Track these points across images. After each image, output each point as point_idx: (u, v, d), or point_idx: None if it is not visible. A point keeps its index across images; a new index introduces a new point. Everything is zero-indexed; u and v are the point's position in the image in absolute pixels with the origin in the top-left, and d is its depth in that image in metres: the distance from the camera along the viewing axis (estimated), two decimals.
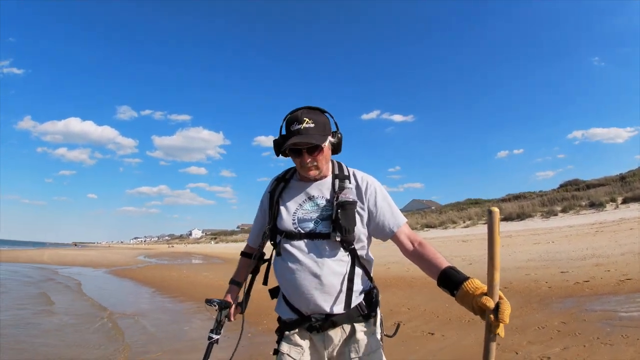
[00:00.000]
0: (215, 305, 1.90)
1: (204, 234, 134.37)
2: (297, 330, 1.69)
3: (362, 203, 1.70)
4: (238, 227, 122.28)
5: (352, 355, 1.62)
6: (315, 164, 1.67)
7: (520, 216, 25.31)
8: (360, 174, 1.78)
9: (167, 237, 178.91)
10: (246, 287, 1.97)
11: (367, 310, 1.68)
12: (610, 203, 22.30)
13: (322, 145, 1.65)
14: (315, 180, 1.75)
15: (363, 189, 1.72)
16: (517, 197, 33.54)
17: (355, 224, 1.62)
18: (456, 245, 16.17)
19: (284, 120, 1.71)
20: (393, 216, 1.71)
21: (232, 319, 1.94)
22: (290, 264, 1.67)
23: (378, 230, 1.72)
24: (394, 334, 1.78)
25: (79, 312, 7.29)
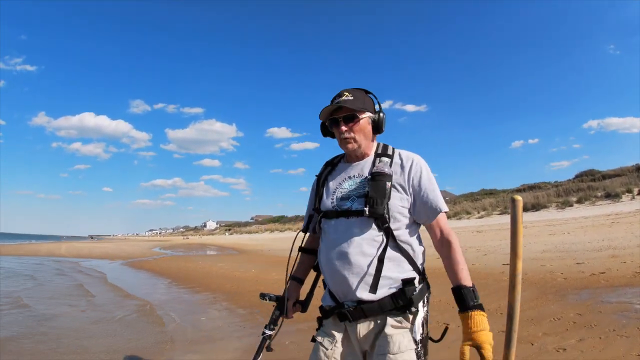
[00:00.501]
0: (266, 300, 1.91)
1: (218, 226, 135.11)
2: (332, 319, 1.65)
3: (405, 181, 1.64)
4: (252, 219, 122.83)
5: (379, 351, 1.52)
6: (352, 135, 1.67)
7: (536, 207, 25.10)
8: (406, 153, 1.73)
9: (182, 229, 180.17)
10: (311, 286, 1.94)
11: (403, 303, 1.53)
12: (627, 194, 22.03)
13: (359, 116, 1.67)
14: (358, 159, 1.74)
15: (407, 167, 1.66)
16: (532, 188, 33.23)
17: (385, 197, 1.56)
18: (470, 235, 16.10)
19: (322, 110, 1.73)
20: (435, 201, 1.63)
21: (289, 315, 1.90)
22: (325, 244, 1.68)
23: (417, 213, 1.64)
24: (441, 338, 1.59)
25: (116, 302, 7.44)
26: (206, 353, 4.34)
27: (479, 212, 28.55)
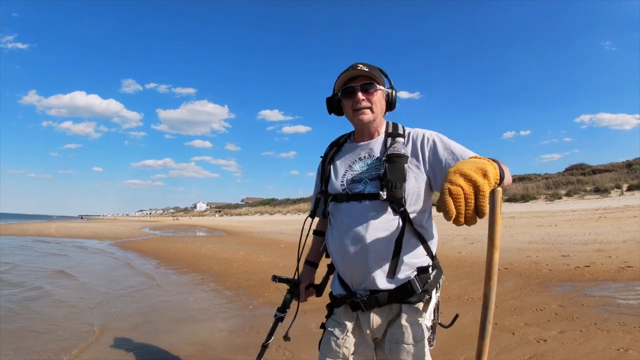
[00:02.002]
0: (277, 282, 1.89)
1: (208, 207, 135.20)
2: (343, 308, 1.59)
3: (419, 159, 1.54)
4: (242, 201, 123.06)
5: (392, 339, 1.49)
6: (369, 105, 1.58)
7: (525, 198, 25.30)
8: (416, 130, 1.62)
9: (172, 210, 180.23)
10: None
11: (419, 290, 1.48)
12: (615, 189, 22.28)
13: (377, 86, 1.59)
14: (368, 138, 1.66)
15: (419, 144, 1.56)
16: (522, 179, 33.44)
17: (403, 179, 1.47)
18: None
19: (339, 76, 1.64)
20: (460, 158, 1.45)
21: (302, 299, 1.86)
22: (336, 229, 1.59)
23: None
24: (450, 324, 1.60)
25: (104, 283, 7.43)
26: (191, 332, 4.34)
27: None
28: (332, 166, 1.69)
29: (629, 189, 21.81)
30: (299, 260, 1.84)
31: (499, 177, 1.08)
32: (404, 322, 1.47)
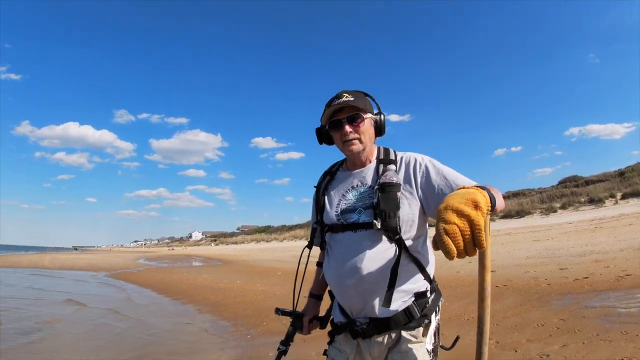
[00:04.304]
0: (279, 315, 1.85)
1: (204, 236, 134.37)
2: (344, 336, 1.58)
3: (412, 185, 1.52)
4: (238, 229, 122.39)
5: None
6: (357, 136, 1.57)
7: (520, 213, 25.32)
8: (408, 155, 1.61)
9: (167, 240, 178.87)
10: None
11: (418, 316, 1.47)
12: (610, 199, 22.37)
13: (363, 115, 1.57)
14: (360, 166, 1.64)
15: (411, 169, 1.54)
16: (516, 195, 33.53)
17: (397, 208, 1.45)
18: None
19: (325, 108, 1.62)
20: (453, 187, 1.45)
21: (305, 332, 1.82)
22: (332, 260, 1.58)
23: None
24: (452, 346, 1.58)
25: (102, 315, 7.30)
26: None
27: None
28: (326, 196, 1.68)
29: (623, 197, 21.91)
30: (294, 291, 1.81)
31: (490, 205, 1.06)
32: (403, 347, 1.46)
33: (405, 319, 1.46)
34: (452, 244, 0.96)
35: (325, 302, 1.85)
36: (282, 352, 1.76)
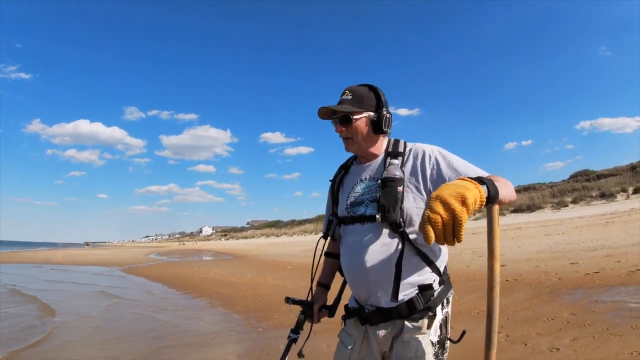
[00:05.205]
0: (290, 304, 1.90)
1: (214, 231, 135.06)
2: (353, 321, 1.65)
3: (419, 179, 1.55)
4: (248, 224, 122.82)
5: (396, 354, 1.52)
6: (349, 136, 1.63)
7: (531, 207, 25.14)
8: (417, 146, 1.63)
9: (177, 235, 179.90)
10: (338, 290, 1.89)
11: (421, 308, 1.51)
12: (621, 193, 22.14)
13: (352, 117, 1.60)
14: (368, 160, 1.69)
15: (419, 162, 1.57)
16: (527, 189, 33.31)
17: (396, 203, 1.49)
18: (466, 237, 15.69)
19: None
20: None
21: (315, 320, 1.88)
22: (344, 250, 1.66)
23: None
24: (459, 339, 1.55)
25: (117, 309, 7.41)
26: (201, 357, 4.33)
27: (474, 214, 28.54)
28: (340, 189, 1.76)
29: (635, 191, 21.64)
30: (312, 280, 1.87)
31: (483, 199, 1.10)
32: (406, 337, 1.50)
33: (407, 310, 1.51)
34: (432, 231, 1.02)
35: (333, 291, 1.91)
36: (292, 340, 1.82)
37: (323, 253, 1.90)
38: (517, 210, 25.13)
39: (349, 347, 1.61)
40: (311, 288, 1.88)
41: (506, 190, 1.26)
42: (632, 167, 27.82)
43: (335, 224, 1.75)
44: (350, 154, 1.80)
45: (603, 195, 22.96)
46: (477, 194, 1.09)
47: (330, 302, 1.92)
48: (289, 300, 1.91)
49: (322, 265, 1.94)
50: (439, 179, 1.52)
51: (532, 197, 27.31)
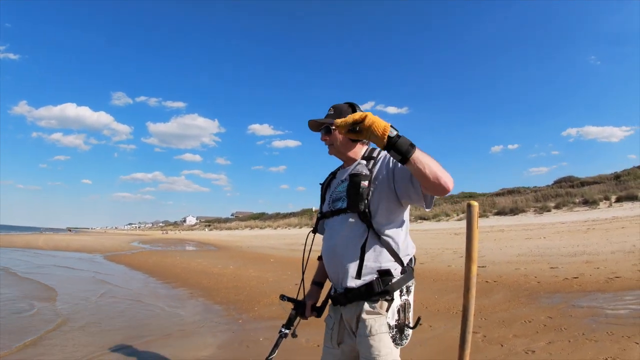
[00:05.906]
0: (285, 300, 2.05)
1: (198, 221, 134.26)
2: (331, 303, 1.89)
3: (386, 177, 1.72)
4: (232, 215, 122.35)
5: (358, 332, 1.70)
6: (330, 143, 1.90)
7: (514, 211, 25.46)
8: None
9: (161, 224, 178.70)
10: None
11: (379, 290, 1.68)
12: (604, 201, 22.49)
13: (331, 127, 1.87)
14: (349, 165, 1.92)
15: (385, 163, 1.77)
16: (511, 192, 33.67)
17: (359, 194, 1.71)
18: (448, 237, 16.20)
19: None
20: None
21: (308, 314, 2.05)
22: (323, 240, 1.91)
23: (414, 192, 1.62)
24: (415, 326, 1.71)
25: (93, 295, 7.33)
26: (180, 347, 4.31)
27: (458, 215, 28.82)
28: (327, 190, 1.99)
29: (618, 200, 22.01)
30: (303, 273, 2.03)
31: (386, 131, 1.41)
32: (364, 316, 1.69)
33: (367, 292, 1.70)
34: (349, 119, 1.44)
35: (326, 289, 2.03)
36: (283, 335, 1.97)
37: (317, 257, 2.08)
38: (500, 212, 25.44)
39: (331, 328, 1.84)
40: (302, 282, 2.06)
41: (429, 159, 1.45)
42: (617, 176, 28.26)
43: (322, 222, 1.98)
44: (341, 162, 2.01)
45: (586, 202, 23.32)
46: (385, 125, 1.42)
47: (319, 303, 2.07)
48: (283, 297, 2.08)
49: (317, 266, 2.12)
50: (397, 175, 1.69)
51: (515, 201, 27.65)
